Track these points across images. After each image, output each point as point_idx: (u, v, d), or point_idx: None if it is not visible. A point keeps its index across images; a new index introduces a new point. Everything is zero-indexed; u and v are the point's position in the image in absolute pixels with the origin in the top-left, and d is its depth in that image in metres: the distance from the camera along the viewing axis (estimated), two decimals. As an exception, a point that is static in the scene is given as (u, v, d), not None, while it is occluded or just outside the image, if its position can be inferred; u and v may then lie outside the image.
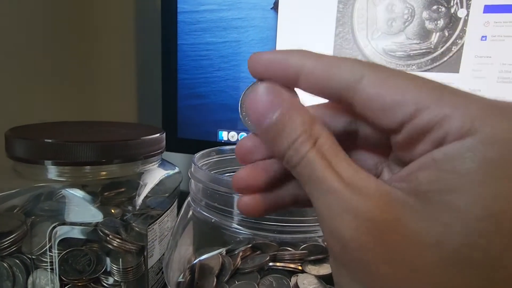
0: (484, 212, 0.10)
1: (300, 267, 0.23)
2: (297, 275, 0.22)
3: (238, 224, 0.20)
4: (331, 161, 0.12)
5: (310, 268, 0.23)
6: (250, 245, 0.23)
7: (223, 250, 0.23)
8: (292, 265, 0.23)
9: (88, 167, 0.26)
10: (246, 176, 0.15)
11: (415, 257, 0.10)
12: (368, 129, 0.14)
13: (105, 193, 0.27)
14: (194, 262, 0.21)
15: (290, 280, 0.22)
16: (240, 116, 0.15)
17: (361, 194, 0.11)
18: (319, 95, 0.13)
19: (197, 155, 0.23)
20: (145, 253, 0.27)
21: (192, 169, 0.21)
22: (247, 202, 0.15)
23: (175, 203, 0.32)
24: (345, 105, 0.13)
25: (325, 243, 0.13)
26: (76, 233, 0.25)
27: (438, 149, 0.11)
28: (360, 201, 0.11)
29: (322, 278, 0.22)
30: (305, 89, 0.13)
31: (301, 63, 0.13)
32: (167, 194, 0.31)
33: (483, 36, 0.39)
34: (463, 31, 0.39)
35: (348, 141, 0.14)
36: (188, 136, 0.52)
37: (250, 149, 0.15)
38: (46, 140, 0.25)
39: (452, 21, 0.39)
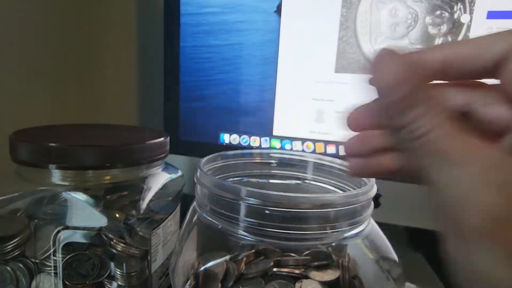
0: None
1: (304, 273, 0.23)
2: (301, 281, 0.22)
3: (243, 231, 0.20)
4: (461, 136, 0.12)
5: (314, 274, 0.23)
6: (253, 251, 0.23)
7: (228, 256, 0.23)
8: (296, 271, 0.23)
9: (92, 171, 0.26)
10: (356, 142, 0.16)
11: None
12: (488, 109, 0.14)
13: (108, 197, 0.27)
14: (200, 270, 0.21)
15: (294, 286, 0.22)
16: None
17: (501, 164, 0.11)
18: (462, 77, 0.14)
19: (203, 160, 0.23)
20: (149, 258, 0.27)
21: (198, 174, 0.21)
22: (354, 165, 0.16)
23: (178, 207, 0.32)
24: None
25: (446, 224, 0.12)
26: (79, 237, 0.25)
27: None
28: (501, 171, 0.11)
29: (326, 284, 0.22)
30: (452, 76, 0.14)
31: (442, 55, 0.13)
32: (170, 198, 0.31)
33: (486, 42, 0.39)
34: (466, 36, 0.39)
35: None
36: (190, 138, 0.52)
37: (361, 117, 0.16)
38: (50, 144, 0.25)
39: (455, 26, 0.39)
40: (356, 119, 0.16)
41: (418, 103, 0.12)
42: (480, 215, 0.11)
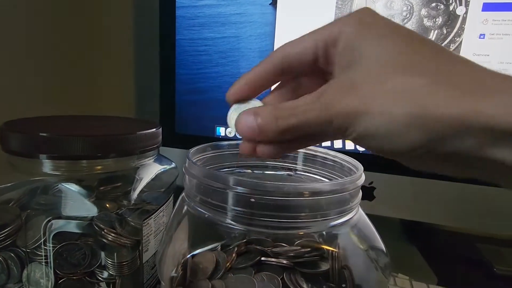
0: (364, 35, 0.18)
1: (291, 263, 0.23)
2: (291, 271, 0.22)
3: (232, 220, 0.20)
4: (298, 105, 0.18)
5: (304, 265, 0.23)
6: (244, 241, 0.23)
7: (218, 246, 0.24)
8: (284, 261, 0.23)
9: (84, 161, 0.26)
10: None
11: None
12: (306, 79, 0.22)
13: (101, 188, 0.27)
14: (189, 260, 0.21)
15: (283, 276, 0.22)
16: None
17: (326, 94, 0.18)
18: (269, 81, 0.21)
19: (192, 150, 0.23)
20: (140, 248, 0.27)
21: (186, 164, 0.21)
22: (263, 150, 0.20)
23: (171, 198, 0.32)
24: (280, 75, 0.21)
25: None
26: (71, 227, 0.25)
27: (337, 49, 0.18)
28: (328, 95, 0.17)
29: (315, 274, 0.22)
30: (260, 87, 0.21)
31: (246, 78, 0.21)
32: (163, 189, 0.31)
33: (481, 34, 0.39)
34: (461, 29, 0.39)
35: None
36: (186, 131, 0.52)
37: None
38: (41, 134, 0.25)
39: (451, 18, 0.39)
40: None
41: (266, 121, 0.18)
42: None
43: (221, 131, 0.50)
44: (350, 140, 0.18)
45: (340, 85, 0.17)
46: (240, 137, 0.20)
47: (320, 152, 0.26)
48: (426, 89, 0.15)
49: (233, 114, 0.21)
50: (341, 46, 0.18)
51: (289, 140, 0.19)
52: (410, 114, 0.15)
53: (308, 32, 0.20)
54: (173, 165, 0.34)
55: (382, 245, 0.21)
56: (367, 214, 0.22)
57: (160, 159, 0.32)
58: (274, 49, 0.21)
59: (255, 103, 0.22)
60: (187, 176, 0.21)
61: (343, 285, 0.20)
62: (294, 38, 0.21)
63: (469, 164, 0.16)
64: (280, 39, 0.44)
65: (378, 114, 0.16)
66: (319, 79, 0.21)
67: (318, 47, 0.19)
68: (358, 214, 0.21)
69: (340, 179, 0.23)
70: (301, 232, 0.19)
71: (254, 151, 0.20)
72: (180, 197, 0.23)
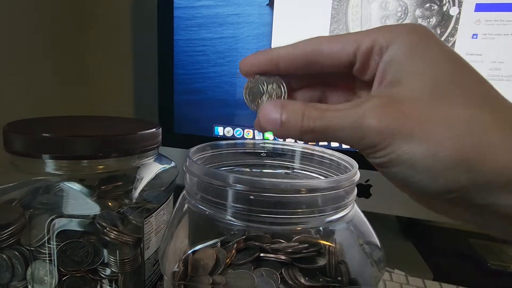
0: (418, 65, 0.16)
1: (289, 259, 0.23)
2: (289, 267, 0.23)
3: (231, 216, 0.20)
4: (333, 109, 0.17)
5: (302, 260, 0.23)
6: (244, 237, 0.24)
7: (218, 242, 0.24)
8: (282, 257, 0.23)
9: (85, 161, 0.27)
10: None
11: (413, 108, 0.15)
12: (335, 78, 0.21)
13: (102, 187, 0.28)
14: (190, 256, 0.22)
15: (282, 272, 0.23)
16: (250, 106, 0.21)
17: (366, 105, 0.16)
18: (294, 67, 0.19)
19: (192, 149, 0.24)
20: (142, 245, 0.28)
21: (187, 163, 0.22)
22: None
23: (171, 197, 0.33)
24: (308, 66, 0.19)
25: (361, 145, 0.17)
26: (74, 225, 0.26)
27: (383, 58, 0.17)
28: (368, 107, 0.16)
29: (314, 270, 0.22)
30: (284, 69, 0.19)
31: (277, 52, 0.19)
32: (163, 188, 0.31)
33: (474, 34, 0.39)
34: (454, 29, 0.40)
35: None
36: (184, 131, 0.53)
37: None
38: (43, 135, 0.25)
39: (444, 19, 0.40)
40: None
41: (295, 116, 0.18)
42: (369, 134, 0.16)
43: (219, 130, 0.51)
44: (377, 163, 0.17)
45: (383, 100, 0.16)
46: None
47: (317, 151, 0.27)
48: (484, 125, 0.14)
49: (251, 92, 0.21)
50: (388, 57, 0.17)
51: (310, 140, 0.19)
52: (462, 150, 0.13)
53: (348, 33, 0.19)
54: (172, 164, 0.34)
55: (376, 240, 0.22)
56: (364, 212, 0.23)
57: (160, 158, 0.33)
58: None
59: (277, 80, 0.20)
60: (187, 174, 0.22)
61: (339, 278, 0.21)
62: (333, 36, 0.19)
63: (503, 220, 0.15)
64: (277, 40, 0.45)
65: (425, 140, 0.14)
66: (346, 93, 0.21)
67: (360, 51, 0.17)
68: (353, 210, 0.22)
69: (336, 176, 0.23)
70: (298, 227, 0.20)
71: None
72: (181, 195, 0.23)
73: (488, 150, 0.13)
